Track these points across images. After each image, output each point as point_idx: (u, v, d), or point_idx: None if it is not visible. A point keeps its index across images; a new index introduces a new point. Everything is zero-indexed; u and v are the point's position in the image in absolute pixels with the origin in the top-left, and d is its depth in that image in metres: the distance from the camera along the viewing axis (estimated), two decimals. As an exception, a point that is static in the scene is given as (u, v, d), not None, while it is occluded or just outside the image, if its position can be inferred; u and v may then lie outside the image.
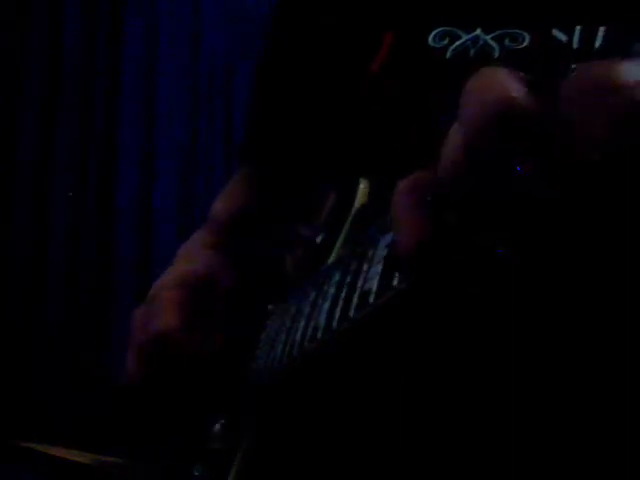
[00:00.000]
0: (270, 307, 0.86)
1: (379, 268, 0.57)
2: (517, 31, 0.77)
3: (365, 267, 0.60)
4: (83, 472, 2.04)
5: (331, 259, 0.78)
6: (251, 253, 0.99)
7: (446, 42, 0.79)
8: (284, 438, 0.79)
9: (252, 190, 1.08)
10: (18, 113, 3.54)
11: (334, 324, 0.62)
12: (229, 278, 0.93)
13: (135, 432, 0.95)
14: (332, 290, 0.66)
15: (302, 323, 0.71)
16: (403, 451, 0.71)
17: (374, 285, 0.56)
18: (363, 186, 0.81)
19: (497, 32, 0.78)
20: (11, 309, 3.41)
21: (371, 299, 0.56)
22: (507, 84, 0.42)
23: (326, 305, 0.66)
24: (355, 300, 0.59)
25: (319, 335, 0.65)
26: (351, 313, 0.60)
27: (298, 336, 0.71)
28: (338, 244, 0.80)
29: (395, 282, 0.52)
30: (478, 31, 0.79)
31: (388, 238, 0.58)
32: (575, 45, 0.75)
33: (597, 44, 0.74)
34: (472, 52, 0.78)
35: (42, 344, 3.36)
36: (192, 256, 0.99)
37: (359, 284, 0.60)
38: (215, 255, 0.97)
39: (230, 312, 0.92)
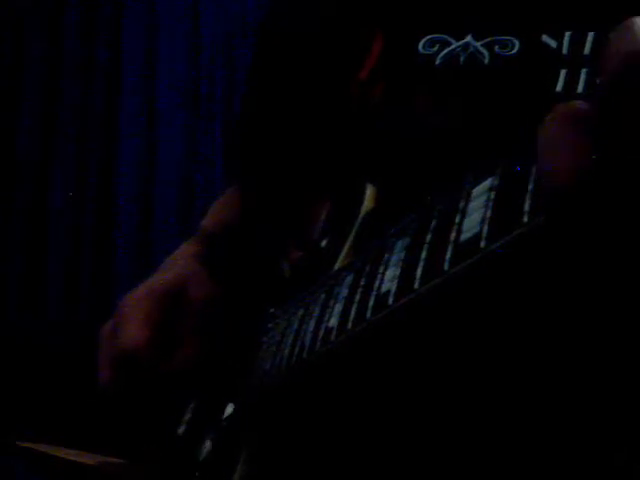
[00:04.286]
0: (272, 310, 0.86)
1: (397, 271, 0.57)
2: (507, 38, 0.77)
3: (381, 270, 0.60)
4: (83, 472, 2.04)
5: (338, 263, 0.78)
6: (237, 259, 0.99)
7: (436, 49, 0.80)
8: (290, 440, 0.79)
9: (242, 202, 1.08)
10: (18, 113, 3.54)
11: (349, 325, 0.62)
12: (203, 287, 0.93)
13: (129, 433, 0.96)
14: (344, 292, 0.66)
15: (312, 325, 0.71)
16: (412, 454, 0.71)
17: (393, 287, 0.57)
18: (370, 191, 0.81)
19: (487, 39, 0.78)
20: (11, 309, 3.41)
21: (390, 301, 0.56)
22: None
23: (338, 307, 0.66)
24: (372, 302, 0.60)
25: (332, 336, 0.65)
26: (368, 314, 0.60)
27: (308, 338, 0.71)
28: (345, 248, 0.80)
29: (416, 285, 0.52)
30: (468, 38, 0.79)
31: (406, 241, 0.58)
32: (565, 51, 0.75)
33: (586, 49, 0.74)
34: (462, 59, 0.78)
35: (42, 344, 3.36)
36: (167, 267, 0.98)
37: (375, 286, 0.60)
38: (191, 264, 0.96)
39: (213, 318, 0.92)
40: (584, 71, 0.73)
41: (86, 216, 3.54)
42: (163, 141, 3.64)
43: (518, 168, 0.47)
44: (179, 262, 0.98)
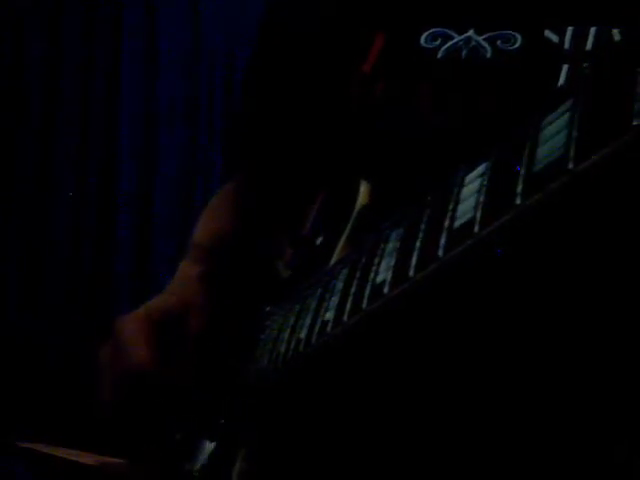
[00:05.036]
0: (268, 308, 0.86)
1: (392, 261, 0.57)
2: (509, 32, 0.77)
3: (376, 261, 0.60)
4: (83, 472, 2.04)
5: (334, 260, 0.78)
6: (237, 267, 0.99)
7: (438, 43, 0.79)
8: (288, 436, 0.78)
9: (240, 201, 1.07)
10: (18, 113, 3.54)
11: (345, 317, 0.62)
12: (203, 313, 0.93)
13: (129, 434, 0.95)
14: (340, 285, 0.66)
15: (308, 319, 0.71)
16: (410, 447, 0.70)
17: (388, 276, 0.56)
18: (364, 188, 0.81)
19: (489, 33, 0.78)
20: (11, 309, 3.41)
21: (385, 290, 0.56)
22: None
23: (335, 299, 0.66)
24: (367, 292, 0.59)
25: (329, 329, 0.65)
26: (363, 305, 0.59)
27: (304, 332, 0.70)
28: (340, 245, 0.79)
29: (411, 272, 0.52)
30: (470, 32, 0.79)
31: (400, 232, 0.58)
32: (567, 46, 0.75)
33: (588, 45, 0.74)
34: (464, 53, 0.78)
35: (42, 344, 3.36)
36: (169, 291, 0.98)
37: (371, 277, 0.60)
38: (194, 287, 0.96)
39: (210, 344, 0.92)
40: (586, 66, 0.73)
41: (86, 216, 3.55)
42: (163, 141, 3.64)
43: (510, 153, 0.47)
44: (181, 286, 0.98)
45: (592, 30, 0.75)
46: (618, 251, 0.49)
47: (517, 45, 0.76)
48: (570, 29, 0.76)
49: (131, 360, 0.86)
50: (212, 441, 0.84)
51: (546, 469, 0.66)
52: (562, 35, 0.76)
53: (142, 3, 3.71)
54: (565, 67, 0.74)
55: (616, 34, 0.74)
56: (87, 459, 2.09)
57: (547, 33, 0.76)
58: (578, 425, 0.65)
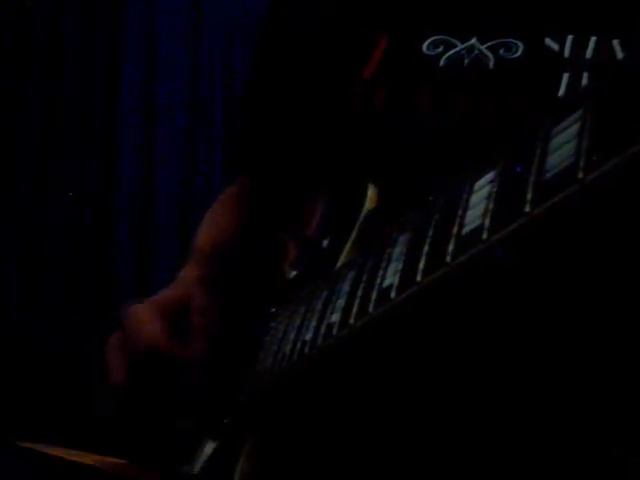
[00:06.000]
0: (273, 309, 0.86)
1: (400, 265, 0.57)
2: (511, 40, 0.77)
3: (383, 265, 0.60)
4: (83, 472, 2.03)
5: (340, 263, 0.78)
6: (239, 270, 0.99)
7: (440, 50, 0.80)
8: (291, 437, 0.79)
9: (238, 209, 1.08)
10: (18, 113, 3.54)
11: (351, 320, 0.62)
12: (205, 302, 0.93)
13: (129, 434, 0.96)
14: (347, 288, 0.66)
15: (314, 321, 0.71)
16: (413, 450, 0.71)
17: (395, 280, 0.57)
18: (371, 192, 0.81)
19: (492, 41, 0.78)
20: (11, 309, 3.41)
21: (392, 294, 0.56)
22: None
23: (341, 302, 0.66)
24: (374, 296, 0.60)
25: (334, 331, 0.65)
26: (370, 309, 0.60)
27: (310, 334, 0.70)
28: (347, 248, 0.80)
29: (419, 277, 0.52)
30: (473, 40, 0.79)
31: (407, 237, 0.58)
32: (566, 54, 0.75)
33: (588, 53, 0.74)
34: (467, 61, 0.78)
35: (42, 344, 3.36)
36: (171, 288, 0.99)
37: (377, 281, 0.60)
38: (195, 287, 0.96)
39: (215, 327, 0.92)
40: (586, 75, 0.73)
41: (86, 216, 3.54)
42: (163, 141, 3.64)
43: (519, 161, 0.47)
44: (183, 285, 0.98)
45: (592, 39, 0.75)
46: (626, 260, 0.50)
47: (519, 53, 0.77)
48: (570, 37, 0.76)
49: (145, 336, 0.86)
50: (215, 441, 0.85)
51: (544, 469, 0.66)
52: (562, 43, 0.76)
53: (143, 2, 3.71)
54: (566, 76, 0.75)
55: (616, 44, 0.74)
56: (87, 459, 2.08)
57: (547, 41, 0.77)
58: (575, 425, 0.65)
